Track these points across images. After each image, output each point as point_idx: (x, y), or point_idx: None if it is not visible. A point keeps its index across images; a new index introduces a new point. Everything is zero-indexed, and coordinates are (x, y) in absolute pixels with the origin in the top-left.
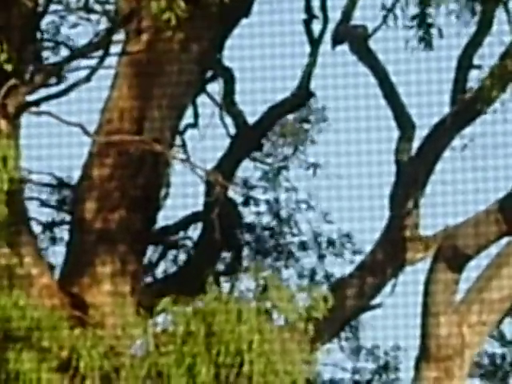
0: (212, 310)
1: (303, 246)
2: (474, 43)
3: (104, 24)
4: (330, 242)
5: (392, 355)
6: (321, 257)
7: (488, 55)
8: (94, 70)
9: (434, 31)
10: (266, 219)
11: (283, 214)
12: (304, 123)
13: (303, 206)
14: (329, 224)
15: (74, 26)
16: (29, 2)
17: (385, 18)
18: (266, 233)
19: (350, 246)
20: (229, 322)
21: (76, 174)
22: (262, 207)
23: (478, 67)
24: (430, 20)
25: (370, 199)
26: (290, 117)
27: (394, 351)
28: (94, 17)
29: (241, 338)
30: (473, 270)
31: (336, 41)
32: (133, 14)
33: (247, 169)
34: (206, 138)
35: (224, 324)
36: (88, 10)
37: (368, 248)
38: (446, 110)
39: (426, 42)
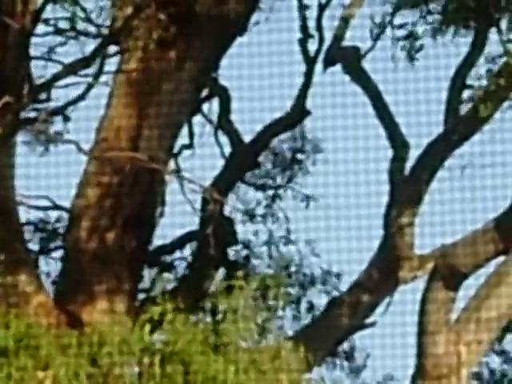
0: (188, 349)
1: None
2: (467, 63)
3: (96, 42)
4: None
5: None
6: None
7: (481, 75)
8: (88, 88)
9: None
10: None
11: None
12: (298, 154)
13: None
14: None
15: (63, 44)
16: (14, 23)
17: (376, 38)
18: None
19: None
20: (204, 357)
21: (69, 193)
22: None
23: (471, 87)
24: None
25: (364, 218)
26: (285, 146)
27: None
28: (84, 37)
29: (216, 371)
30: (469, 288)
31: (327, 63)
32: (128, 32)
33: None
34: (200, 157)
35: (200, 361)
36: (79, 32)
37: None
38: (440, 129)
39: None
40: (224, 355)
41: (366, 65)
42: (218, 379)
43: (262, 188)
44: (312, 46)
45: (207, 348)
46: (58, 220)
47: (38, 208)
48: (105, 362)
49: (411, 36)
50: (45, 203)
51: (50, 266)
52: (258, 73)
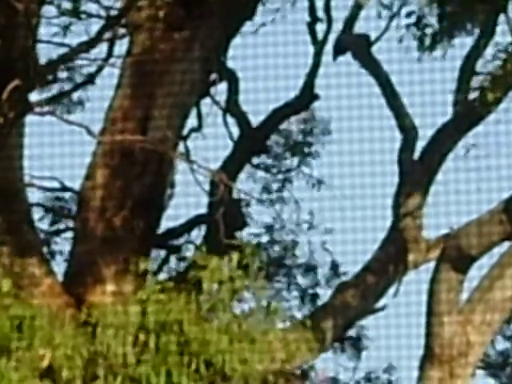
0: (181, 318)
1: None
2: (477, 50)
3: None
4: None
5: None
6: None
7: (490, 60)
8: (98, 70)
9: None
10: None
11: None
12: (308, 136)
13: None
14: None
15: (68, 26)
16: (19, 4)
17: (387, 25)
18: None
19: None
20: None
21: (79, 175)
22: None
23: (480, 73)
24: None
25: (373, 200)
26: (294, 128)
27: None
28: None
29: (209, 342)
30: (478, 270)
31: (338, 51)
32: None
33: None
34: (209, 139)
35: (193, 331)
36: (82, 12)
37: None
38: (450, 112)
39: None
40: (217, 324)
41: (375, 48)
42: (211, 348)
43: (271, 171)
44: (321, 28)
45: (200, 317)
46: (70, 201)
47: (46, 189)
48: (100, 338)
49: (419, 23)
50: (55, 184)
51: (61, 246)
52: (266, 54)
